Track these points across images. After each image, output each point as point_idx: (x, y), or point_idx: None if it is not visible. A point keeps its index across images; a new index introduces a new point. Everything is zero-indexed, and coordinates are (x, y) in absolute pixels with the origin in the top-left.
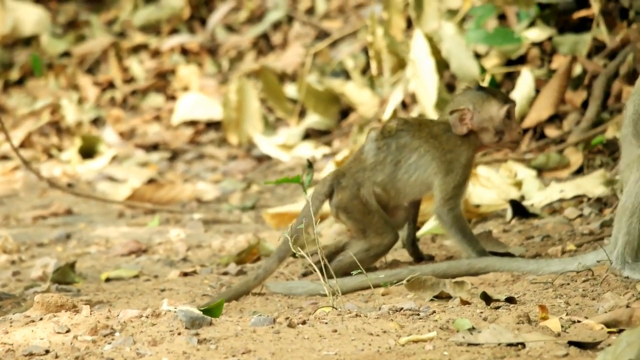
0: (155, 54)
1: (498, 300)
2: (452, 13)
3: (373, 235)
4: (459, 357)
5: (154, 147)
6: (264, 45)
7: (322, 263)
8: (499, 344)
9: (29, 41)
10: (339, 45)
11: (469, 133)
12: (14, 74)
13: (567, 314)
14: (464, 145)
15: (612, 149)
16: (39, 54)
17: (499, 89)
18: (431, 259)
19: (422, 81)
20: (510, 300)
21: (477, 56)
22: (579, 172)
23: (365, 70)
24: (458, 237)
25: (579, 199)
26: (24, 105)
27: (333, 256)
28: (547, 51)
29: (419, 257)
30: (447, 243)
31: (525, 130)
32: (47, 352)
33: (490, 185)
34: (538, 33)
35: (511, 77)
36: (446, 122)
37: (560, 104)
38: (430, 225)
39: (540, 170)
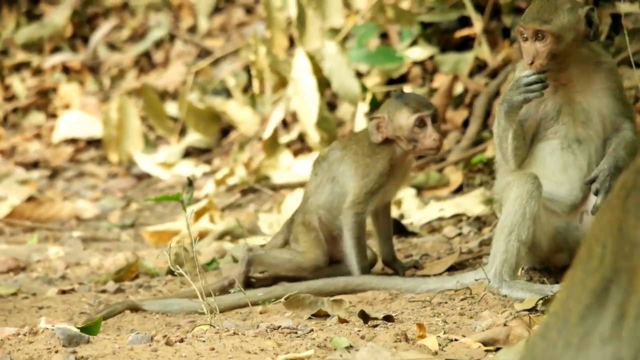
0: (37, 71)
1: (376, 319)
2: (334, 32)
3: (302, 250)
4: None
5: (34, 165)
6: (145, 63)
7: (202, 281)
8: None
9: None
10: (220, 63)
11: (388, 141)
12: None
13: (444, 333)
14: (382, 152)
15: (491, 168)
16: None
17: (420, 96)
18: (416, 267)
19: (304, 100)
20: (388, 318)
21: (359, 75)
22: (459, 190)
23: (246, 88)
24: (350, 244)
25: (458, 218)
26: None
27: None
28: (428, 70)
29: (403, 270)
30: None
31: None
32: None
33: None
34: (420, 52)
35: None
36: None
37: (441, 122)
38: None
39: (420, 189)
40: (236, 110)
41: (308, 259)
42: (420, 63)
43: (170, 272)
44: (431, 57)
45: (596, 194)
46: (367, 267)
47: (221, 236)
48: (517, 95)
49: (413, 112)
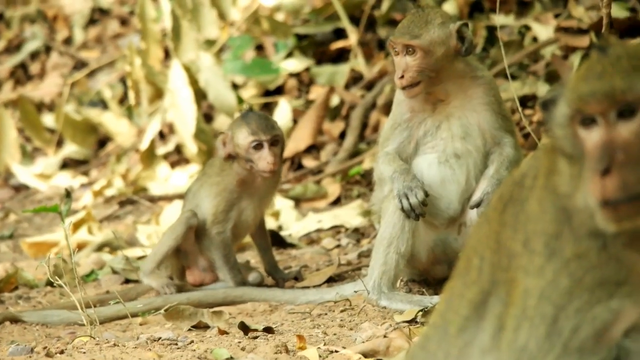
0: None
1: (256, 330)
2: (210, 43)
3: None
4: None
5: None
6: (21, 74)
7: (82, 292)
8: None
9: None
10: (96, 75)
11: (231, 157)
12: None
13: (324, 344)
14: (229, 169)
15: (369, 180)
16: None
17: (264, 118)
18: (297, 279)
19: (180, 111)
20: (268, 330)
21: (235, 87)
22: (337, 202)
23: (123, 100)
24: (220, 262)
25: (336, 229)
26: None
27: None
28: (305, 82)
29: (284, 279)
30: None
31: (283, 161)
32: None
33: None
34: (296, 64)
35: (269, 108)
36: None
37: (318, 134)
38: None
39: (298, 201)
40: (113, 121)
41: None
42: (296, 75)
43: (50, 283)
44: (307, 69)
45: None
46: (241, 281)
47: (100, 247)
48: (413, 198)
49: (250, 133)
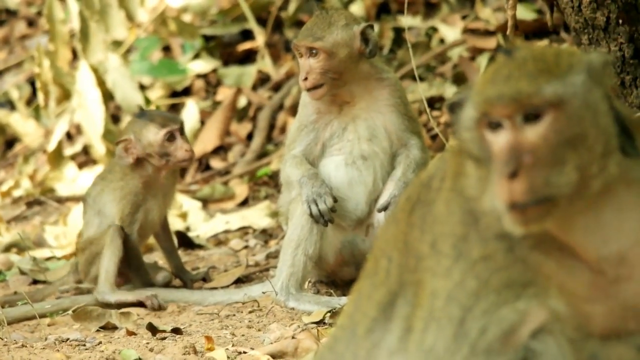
0: None
1: (164, 331)
2: (117, 44)
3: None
4: None
5: None
6: None
7: None
8: None
9: None
10: (4, 75)
11: (139, 161)
12: None
13: (233, 345)
14: (132, 173)
15: (277, 181)
16: None
17: (163, 112)
18: (205, 280)
19: (88, 112)
20: (176, 331)
21: (143, 88)
22: (244, 203)
23: (30, 101)
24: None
25: (244, 231)
26: None
27: None
28: (212, 83)
29: (192, 280)
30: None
31: None
32: None
33: None
34: (203, 65)
35: (176, 109)
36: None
37: (225, 135)
38: None
39: (206, 202)
40: (20, 122)
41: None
42: (204, 76)
43: None
44: (214, 70)
45: None
46: (148, 282)
47: (7, 248)
48: (322, 204)
49: (161, 127)
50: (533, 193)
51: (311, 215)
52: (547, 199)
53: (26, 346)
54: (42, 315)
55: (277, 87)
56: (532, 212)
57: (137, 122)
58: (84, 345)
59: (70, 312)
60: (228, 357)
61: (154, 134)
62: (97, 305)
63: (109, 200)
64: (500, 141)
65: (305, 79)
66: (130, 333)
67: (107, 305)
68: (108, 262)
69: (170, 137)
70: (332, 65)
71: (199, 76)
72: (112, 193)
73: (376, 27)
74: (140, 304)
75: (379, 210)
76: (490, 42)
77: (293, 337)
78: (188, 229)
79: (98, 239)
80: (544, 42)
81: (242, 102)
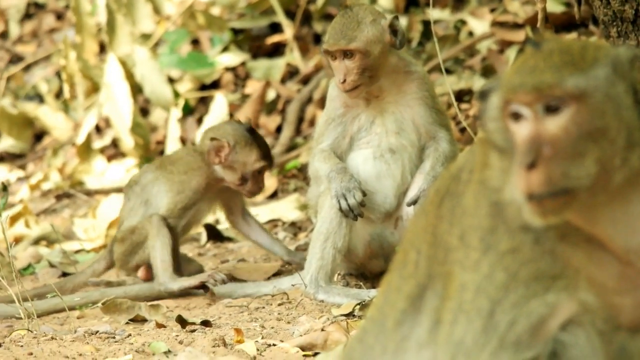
0: None
1: (194, 324)
2: (145, 37)
3: (146, 238)
4: None
5: None
6: None
7: (19, 285)
8: None
9: None
10: (32, 69)
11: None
12: None
13: (262, 337)
14: (199, 171)
15: (305, 174)
16: None
17: (265, 142)
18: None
19: (116, 105)
20: (206, 323)
21: (171, 81)
22: (274, 196)
23: (59, 94)
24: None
25: (273, 223)
26: None
27: None
28: (241, 76)
29: (303, 260)
30: None
31: None
32: None
33: None
34: (232, 58)
35: (205, 102)
36: (191, 148)
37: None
38: None
39: None
40: (49, 115)
41: (160, 241)
42: (233, 69)
43: None
44: (243, 63)
45: None
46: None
47: (37, 241)
48: (351, 199)
49: (261, 159)
50: (551, 184)
51: (340, 210)
52: (565, 191)
53: (55, 339)
54: (72, 308)
55: (305, 80)
56: (549, 203)
57: (243, 137)
58: (114, 337)
59: (99, 304)
60: (257, 350)
61: (253, 161)
62: (153, 297)
63: (163, 190)
64: (522, 131)
65: (344, 81)
66: (160, 325)
67: (170, 294)
68: (161, 252)
69: (260, 170)
70: (368, 64)
71: (227, 69)
72: (168, 184)
73: (405, 20)
74: (203, 287)
75: (408, 204)
76: (519, 35)
77: (322, 330)
78: (217, 221)
79: (140, 228)
80: (572, 35)
81: (270, 95)
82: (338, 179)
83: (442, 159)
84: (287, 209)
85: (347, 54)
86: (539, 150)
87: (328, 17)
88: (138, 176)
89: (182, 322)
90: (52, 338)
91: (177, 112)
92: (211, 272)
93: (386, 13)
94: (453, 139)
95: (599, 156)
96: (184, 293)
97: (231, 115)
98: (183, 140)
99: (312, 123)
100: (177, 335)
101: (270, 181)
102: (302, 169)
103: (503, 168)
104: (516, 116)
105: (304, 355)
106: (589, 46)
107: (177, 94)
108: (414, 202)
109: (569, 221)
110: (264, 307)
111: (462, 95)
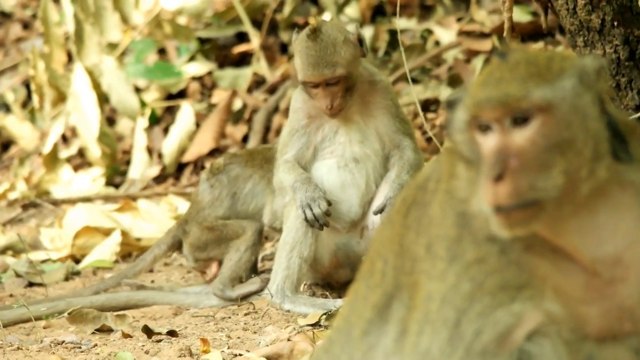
0: None
1: (160, 334)
2: (112, 47)
3: (236, 238)
4: None
5: None
6: None
7: None
8: None
9: None
10: None
11: None
12: None
13: (228, 347)
14: None
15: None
16: None
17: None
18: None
19: (84, 115)
20: (172, 333)
21: (138, 90)
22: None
23: (25, 103)
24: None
25: None
26: None
27: None
28: (207, 85)
29: None
30: (108, 276)
31: (186, 165)
32: None
33: (152, 219)
34: (198, 67)
35: (172, 111)
36: None
37: (221, 138)
38: (92, 258)
39: None
40: (16, 125)
41: (250, 235)
42: (199, 78)
43: None
44: (209, 73)
45: None
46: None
47: (3, 251)
48: (316, 209)
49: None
50: (518, 196)
51: (306, 219)
52: (533, 202)
53: (22, 349)
54: (38, 318)
55: (272, 90)
56: (517, 215)
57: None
58: (80, 347)
59: (65, 314)
60: (224, 359)
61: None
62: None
63: (260, 192)
64: (488, 143)
65: (331, 107)
66: (126, 335)
67: (227, 299)
68: (240, 261)
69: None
70: (350, 84)
71: (194, 79)
72: (269, 188)
73: (371, 30)
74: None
75: (375, 213)
76: (486, 45)
77: (289, 340)
78: None
79: (234, 226)
80: (539, 45)
81: (237, 104)
82: (302, 189)
83: (407, 167)
84: None
85: (331, 81)
86: (506, 162)
87: (294, 27)
88: (221, 165)
89: (148, 332)
90: (19, 348)
91: (143, 122)
92: (262, 277)
93: (352, 22)
94: (417, 148)
95: (565, 167)
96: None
97: (198, 125)
98: (149, 150)
99: (278, 132)
100: (143, 345)
101: None
102: None
103: (470, 179)
104: (483, 128)
105: None
106: (555, 56)
107: (143, 104)
108: (380, 211)
109: (535, 232)
110: (230, 317)
111: (428, 105)
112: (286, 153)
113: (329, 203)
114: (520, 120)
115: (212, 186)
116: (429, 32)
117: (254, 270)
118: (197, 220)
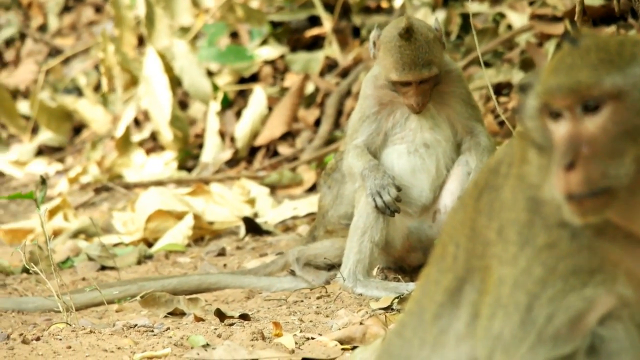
0: None
1: (232, 317)
2: (184, 30)
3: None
4: None
5: None
6: None
7: (57, 279)
8: None
9: None
10: (71, 62)
11: None
12: None
13: (301, 331)
14: None
15: None
16: None
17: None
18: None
19: (156, 98)
20: (244, 317)
21: (210, 74)
22: (312, 189)
23: (97, 87)
24: None
25: (312, 217)
26: None
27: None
28: (279, 69)
29: None
30: (181, 260)
31: (258, 148)
32: None
33: (224, 203)
34: (270, 51)
35: (244, 95)
36: None
37: (293, 122)
38: (164, 242)
39: (274, 188)
40: (88, 108)
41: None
42: (271, 62)
43: (26, 270)
44: (282, 56)
45: None
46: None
47: (75, 234)
48: (386, 196)
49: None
50: (590, 184)
51: (376, 207)
52: (605, 190)
53: (94, 332)
54: (110, 302)
55: (344, 74)
56: (589, 203)
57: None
58: (152, 331)
59: (138, 298)
60: (296, 343)
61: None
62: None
63: None
64: (560, 131)
65: (419, 104)
66: (198, 319)
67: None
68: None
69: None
70: (438, 79)
71: (266, 62)
72: None
73: (444, 14)
74: None
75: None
76: (558, 28)
77: (361, 323)
78: (256, 215)
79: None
80: (611, 28)
81: (309, 88)
82: (372, 176)
83: (483, 151)
84: None
85: (424, 80)
86: (577, 150)
87: (367, 10)
88: (334, 164)
89: (220, 315)
90: (91, 331)
91: (216, 106)
92: None
93: (425, 7)
94: (488, 134)
95: (637, 154)
96: None
97: (270, 108)
98: (222, 133)
99: (350, 116)
100: (215, 329)
101: (309, 175)
102: None
103: (541, 165)
104: (554, 115)
105: (343, 349)
106: (626, 42)
107: (216, 87)
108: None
109: (603, 219)
110: (302, 301)
111: (500, 89)
112: (356, 139)
113: (399, 189)
114: (592, 107)
115: (329, 187)
116: (501, 15)
117: None
118: (324, 225)
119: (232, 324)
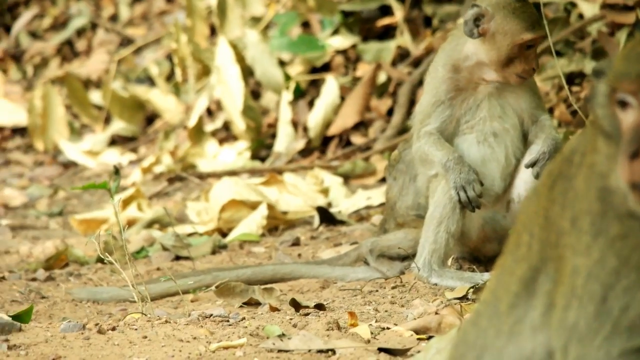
0: None
1: (307, 307)
2: (256, 20)
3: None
4: None
5: None
6: (68, 51)
7: (132, 269)
8: (309, 351)
9: None
10: (143, 51)
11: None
12: None
13: (376, 321)
14: None
15: None
16: None
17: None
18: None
19: (228, 88)
20: (320, 306)
21: (282, 63)
22: (385, 179)
23: (169, 76)
24: None
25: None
26: None
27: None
28: (351, 59)
29: None
30: (255, 250)
31: (331, 138)
32: None
33: (297, 192)
34: (342, 41)
35: (316, 85)
36: None
37: (365, 111)
38: (238, 232)
39: (347, 178)
40: (160, 98)
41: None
42: (343, 52)
43: (100, 260)
44: (353, 46)
45: (537, 177)
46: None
47: (149, 224)
48: (471, 192)
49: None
50: None
51: (459, 201)
52: None
53: (170, 322)
54: (185, 292)
55: (416, 63)
56: None
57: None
58: (228, 321)
59: (213, 288)
60: (372, 333)
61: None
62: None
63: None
64: (627, 120)
65: (534, 69)
66: (274, 309)
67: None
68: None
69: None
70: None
71: (338, 52)
72: None
73: None
74: None
75: (527, 166)
76: (630, 17)
77: (436, 313)
78: (330, 204)
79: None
80: None
81: (381, 77)
82: (457, 169)
83: (552, 137)
84: None
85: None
86: None
87: (438, 0)
88: (397, 155)
89: (295, 305)
90: (166, 321)
91: (288, 95)
92: None
93: None
94: (553, 122)
95: None
96: None
97: (342, 98)
98: (294, 123)
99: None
100: (290, 319)
101: (382, 164)
102: None
103: (610, 154)
104: (623, 104)
105: (418, 339)
106: None
107: (288, 77)
108: (532, 164)
109: None
110: (377, 291)
111: (572, 78)
112: (428, 124)
113: (482, 184)
114: None
115: (395, 178)
116: (573, 5)
117: None
118: (394, 217)
119: (307, 314)
